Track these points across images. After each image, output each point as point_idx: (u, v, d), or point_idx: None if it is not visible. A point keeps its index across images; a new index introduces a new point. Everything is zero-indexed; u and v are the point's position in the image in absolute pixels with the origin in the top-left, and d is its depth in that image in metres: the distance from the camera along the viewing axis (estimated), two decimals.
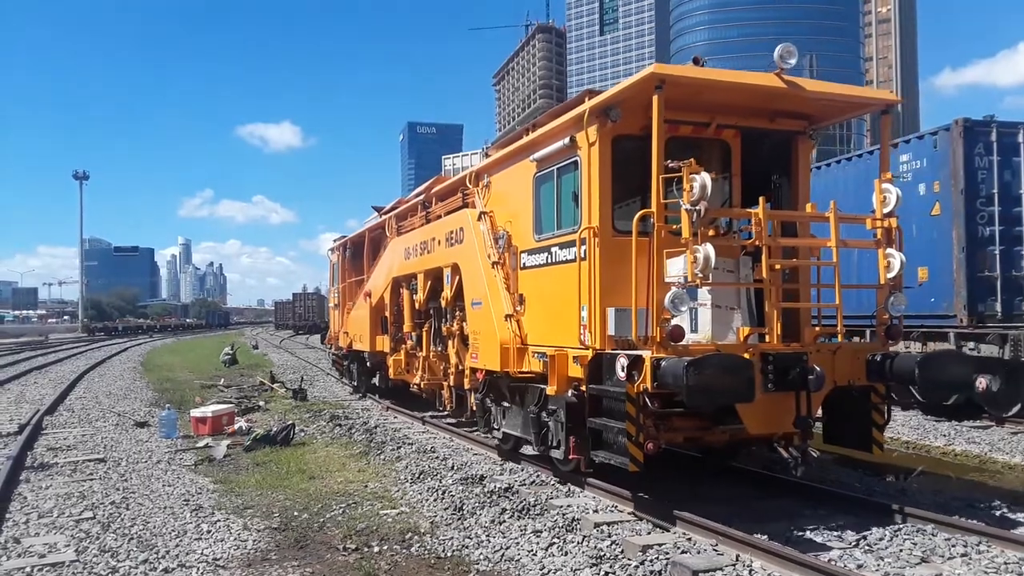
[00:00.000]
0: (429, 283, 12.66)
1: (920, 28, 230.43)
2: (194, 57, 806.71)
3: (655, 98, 6.92)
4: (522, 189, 9.35)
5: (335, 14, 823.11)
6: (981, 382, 13.03)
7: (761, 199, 7.23)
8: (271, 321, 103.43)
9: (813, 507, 7.67)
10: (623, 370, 6.85)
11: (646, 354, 6.71)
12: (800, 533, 6.81)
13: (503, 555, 6.42)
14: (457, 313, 11.38)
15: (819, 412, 7.91)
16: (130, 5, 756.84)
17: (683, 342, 6.95)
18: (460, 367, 11.23)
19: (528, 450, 9.65)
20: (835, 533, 6.79)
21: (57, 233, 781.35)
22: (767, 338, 7.19)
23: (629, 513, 7.43)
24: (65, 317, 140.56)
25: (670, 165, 6.90)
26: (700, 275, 6.68)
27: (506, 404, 9.67)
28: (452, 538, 6.90)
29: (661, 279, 6.85)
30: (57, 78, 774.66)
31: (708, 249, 6.60)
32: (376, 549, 6.70)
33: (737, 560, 6.06)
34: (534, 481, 8.83)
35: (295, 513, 7.87)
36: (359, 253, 18.15)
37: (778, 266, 7.41)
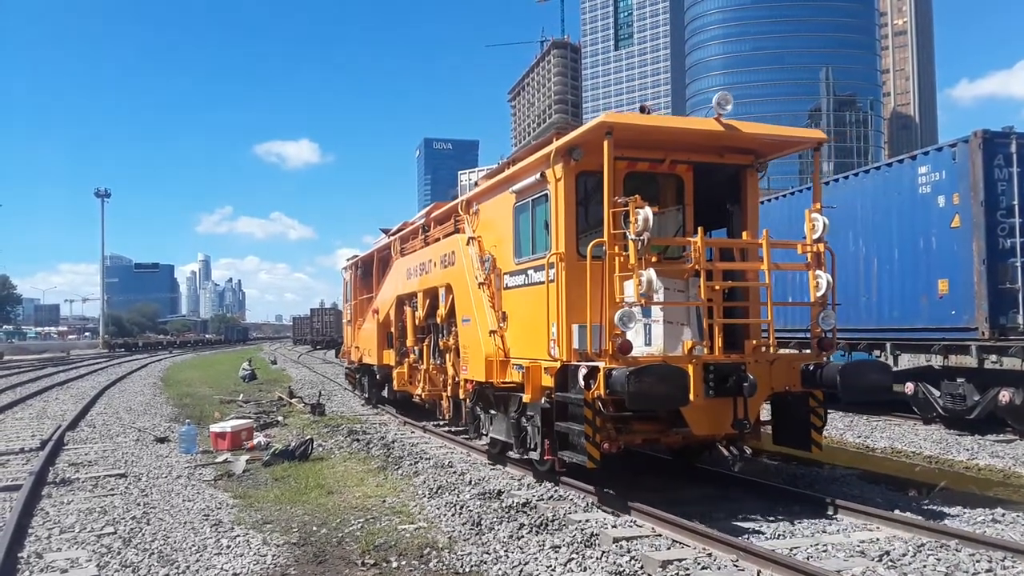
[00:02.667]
0: (428, 301, 13.59)
1: (936, 39, 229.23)
2: (212, 75, 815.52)
3: (605, 142, 7.92)
4: (504, 217, 10.28)
5: (350, 32, 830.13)
6: (1004, 395, 12.89)
7: (700, 229, 8.12)
8: (289, 336, 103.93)
9: (835, 521, 7.61)
10: (582, 379, 7.78)
11: (600, 365, 7.57)
12: (823, 548, 6.75)
13: (522, 571, 6.39)
14: (452, 329, 12.09)
15: (766, 415, 9.01)
16: (147, 26, 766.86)
17: (635, 354, 7.90)
18: (456, 379, 11.94)
19: (514, 455, 10.18)
20: (857, 548, 6.72)
21: (78, 250, 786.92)
22: (705, 350, 8.06)
23: (650, 529, 7.40)
24: (86, 333, 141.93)
25: (618, 201, 7.84)
26: (645, 296, 7.55)
27: (493, 412, 10.57)
28: (470, 554, 6.88)
29: (613, 299, 7.73)
30: (76, 97, 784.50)
31: (651, 274, 7.50)
32: (395, 564, 6.70)
33: None
34: (552, 496, 8.80)
35: (314, 528, 7.89)
36: (369, 272, 19.14)
37: (718, 287, 8.33)
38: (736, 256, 8.97)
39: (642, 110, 8.96)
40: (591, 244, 7.97)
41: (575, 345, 8.22)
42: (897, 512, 7.92)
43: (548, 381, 8.53)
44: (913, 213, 14.39)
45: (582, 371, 7.83)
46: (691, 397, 7.53)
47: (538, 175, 9.17)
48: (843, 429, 14.82)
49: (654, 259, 7.91)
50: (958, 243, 13.40)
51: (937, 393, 14.29)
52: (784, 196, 19.09)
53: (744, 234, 8.98)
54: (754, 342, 8.51)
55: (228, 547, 7.21)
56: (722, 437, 8.41)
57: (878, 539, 6.98)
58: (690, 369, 7.60)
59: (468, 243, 11.27)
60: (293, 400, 20.61)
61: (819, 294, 8.56)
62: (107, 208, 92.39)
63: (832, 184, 17.09)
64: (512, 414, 9.73)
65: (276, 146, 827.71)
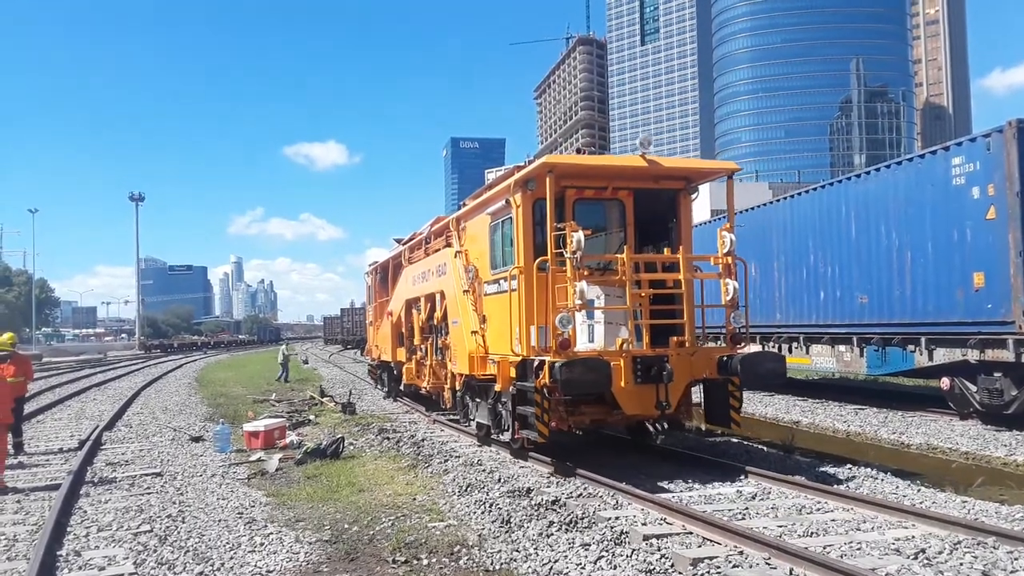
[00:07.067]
0: (428, 305, 15.26)
1: (968, 28, 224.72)
2: (240, 79, 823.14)
3: (547, 179, 9.59)
4: (483, 234, 11.87)
5: (376, 34, 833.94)
6: None
7: (626, 247, 10.04)
8: (320, 336, 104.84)
9: (870, 519, 7.50)
10: (535, 370, 9.33)
11: (547, 359, 9.16)
12: (857, 546, 6.66)
13: (551, 569, 6.39)
14: (448, 329, 13.55)
15: (694, 399, 10.83)
16: (177, 31, 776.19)
17: (579, 349, 9.60)
18: (454, 372, 13.43)
19: (496, 436, 11.63)
20: (892, 546, 6.62)
21: (114, 253, 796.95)
22: (630, 345, 9.62)
23: (681, 526, 7.37)
24: (123, 335, 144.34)
25: (558, 225, 9.54)
26: (579, 303, 9.22)
27: (478, 400, 12.23)
28: (500, 551, 6.90)
29: (555, 306, 9.49)
30: (110, 101, 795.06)
31: (583, 285, 9.23)
32: (425, 562, 6.74)
33: (791, 574, 5.95)
34: (581, 494, 8.79)
35: (345, 526, 7.96)
36: (386, 278, 20.76)
37: (644, 294, 9.92)
38: (658, 268, 10.50)
39: (578, 151, 11.05)
40: (536, 261, 9.70)
41: (533, 343, 9.71)
42: (932, 508, 7.81)
43: (513, 373, 10.04)
44: (947, 205, 14.14)
45: (535, 364, 9.41)
46: (622, 383, 9.30)
47: (504, 201, 10.74)
48: (877, 425, 14.64)
49: (586, 273, 9.54)
50: (993, 235, 13.14)
51: (974, 388, 14.05)
52: (812, 191, 18.88)
53: (666, 250, 10.56)
54: (675, 338, 9.93)
55: (262, 545, 7.30)
56: (649, 416, 10.17)
57: (913, 536, 6.87)
58: (621, 361, 9.33)
59: (456, 256, 12.94)
60: (324, 399, 20.82)
61: (728, 298, 10.11)
62: (141, 211, 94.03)
63: (864, 176, 16.86)
64: (490, 401, 11.38)
65: (304, 148, 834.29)
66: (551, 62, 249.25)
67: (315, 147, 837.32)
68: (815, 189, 18.83)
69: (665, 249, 10.59)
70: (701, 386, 10.59)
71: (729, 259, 10.21)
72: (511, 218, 10.56)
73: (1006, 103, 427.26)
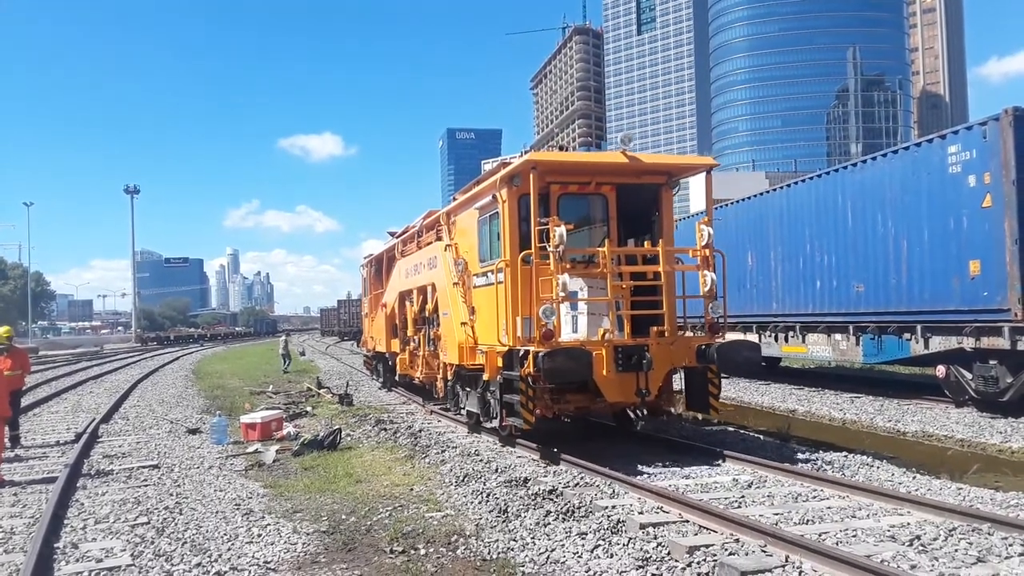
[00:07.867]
0: (420, 297, 15.64)
1: (965, 17, 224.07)
2: (235, 71, 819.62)
3: (531, 175, 9.99)
4: (472, 228, 12.24)
5: (370, 24, 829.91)
6: None
7: (608, 241, 10.24)
8: (317, 328, 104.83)
9: (865, 506, 7.53)
10: (520, 360, 9.63)
11: (532, 349, 9.44)
12: (852, 533, 6.68)
13: (548, 557, 6.41)
14: (440, 321, 13.92)
15: (674, 386, 10.98)
16: (171, 25, 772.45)
17: (563, 339, 9.85)
18: (445, 363, 13.82)
19: (485, 424, 11.93)
20: (887, 533, 6.65)
21: (110, 246, 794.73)
22: (611, 335, 9.91)
23: (677, 515, 7.39)
24: (119, 328, 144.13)
25: (541, 220, 9.83)
26: (562, 294, 9.61)
27: (468, 389, 12.54)
28: (497, 540, 6.91)
29: (539, 297, 9.79)
30: (105, 94, 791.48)
31: (565, 277, 9.64)
32: (422, 552, 6.75)
33: (787, 561, 5.96)
34: (578, 483, 8.81)
35: (343, 516, 7.97)
36: (380, 270, 21.23)
37: (624, 285, 10.37)
38: (639, 261, 10.73)
39: (561, 149, 11.95)
40: (521, 255, 10.01)
41: (519, 333, 10.02)
42: (928, 495, 7.84)
43: (500, 362, 10.32)
44: (943, 193, 14.15)
45: (520, 353, 9.69)
46: (603, 372, 9.58)
47: (491, 196, 11.10)
48: (873, 413, 14.68)
49: (569, 266, 9.90)
50: (990, 223, 13.16)
51: (969, 376, 14.09)
52: (809, 180, 18.87)
53: (647, 243, 10.70)
54: (656, 328, 10.18)
55: (259, 536, 7.31)
56: (630, 403, 10.59)
57: (908, 523, 6.90)
58: (602, 350, 9.59)
59: (446, 249, 13.31)
60: (321, 391, 20.83)
61: (706, 289, 10.39)
62: (137, 204, 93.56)
63: (860, 165, 16.86)
64: (479, 390, 11.68)
65: (300, 140, 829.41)
66: (547, 52, 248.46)
67: (311, 139, 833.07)
68: (811, 178, 18.83)
69: (646, 242, 10.80)
70: (682, 374, 10.85)
71: (707, 251, 10.50)
72: (498, 213, 10.85)
73: (1003, 91, 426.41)
